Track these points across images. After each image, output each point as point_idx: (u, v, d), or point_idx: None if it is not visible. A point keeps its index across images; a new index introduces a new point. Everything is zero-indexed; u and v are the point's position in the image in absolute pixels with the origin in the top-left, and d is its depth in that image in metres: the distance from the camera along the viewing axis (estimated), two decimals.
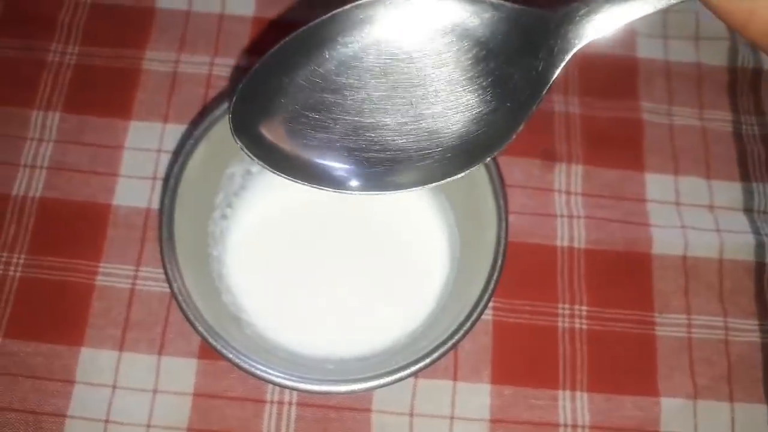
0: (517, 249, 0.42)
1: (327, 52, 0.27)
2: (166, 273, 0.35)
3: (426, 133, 0.28)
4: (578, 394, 0.40)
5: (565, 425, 0.39)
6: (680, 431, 0.39)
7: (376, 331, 0.39)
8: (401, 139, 0.28)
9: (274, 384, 0.33)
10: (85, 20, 0.47)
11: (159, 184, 0.43)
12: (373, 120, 0.27)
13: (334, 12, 0.26)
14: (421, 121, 0.27)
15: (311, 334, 0.38)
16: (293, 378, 0.33)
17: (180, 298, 0.34)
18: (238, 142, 0.27)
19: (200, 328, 0.33)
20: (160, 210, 0.36)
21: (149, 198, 0.43)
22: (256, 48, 0.47)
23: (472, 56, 0.27)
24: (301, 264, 0.40)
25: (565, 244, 0.43)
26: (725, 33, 0.49)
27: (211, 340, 0.33)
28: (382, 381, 0.33)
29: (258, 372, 0.33)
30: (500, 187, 0.37)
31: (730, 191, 0.45)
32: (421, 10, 0.26)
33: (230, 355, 0.33)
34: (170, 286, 0.34)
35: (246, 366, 0.33)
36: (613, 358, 0.40)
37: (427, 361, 0.33)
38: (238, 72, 0.47)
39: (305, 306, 0.39)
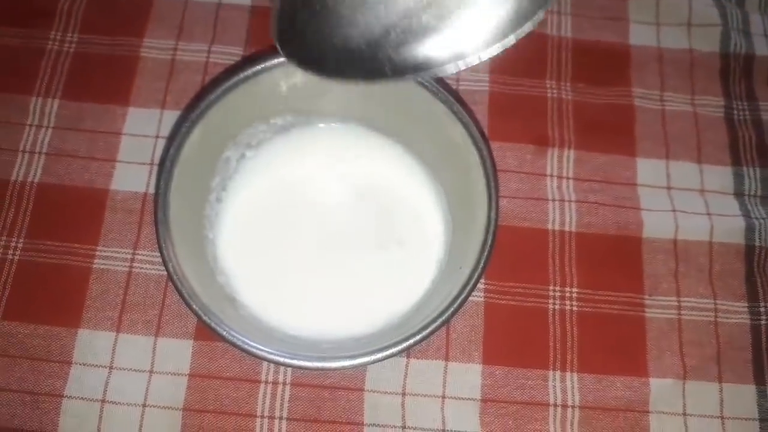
0: (510, 232, 0.43)
1: None
2: (161, 253, 0.35)
3: None
4: (568, 374, 0.40)
5: (555, 405, 0.39)
6: (669, 411, 0.40)
7: (370, 312, 0.39)
8: None
9: (267, 360, 0.34)
10: (84, 8, 0.48)
11: (156, 169, 0.44)
12: None
13: None
14: None
15: (305, 315, 0.39)
16: (286, 355, 0.34)
17: (175, 277, 0.35)
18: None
19: (194, 306, 0.34)
20: (156, 192, 0.36)
21: (147, 183, 0.44)
22: (252, 36, 0.48)
23: None
24: (295, 246, 0.41)
25: (557, 227, 0.43)
26: (718, 19, 0.50)
27: (204, 317, 0.34)
28: (373, 357, 0.34)
29: (250, 348, 0.33)
30: (491, 169, 0.37)
31: (720, 175, 0.45)
32: None
33: (223, 333, 0.33)
34: (165, 266, 0.35)
35: (239, 343, 0.33)
36: (603, 339, 0.41)
37: (417, 338, 0.34)
38: (236, 60, 0.47)
39: (299, 288, 0.40)
